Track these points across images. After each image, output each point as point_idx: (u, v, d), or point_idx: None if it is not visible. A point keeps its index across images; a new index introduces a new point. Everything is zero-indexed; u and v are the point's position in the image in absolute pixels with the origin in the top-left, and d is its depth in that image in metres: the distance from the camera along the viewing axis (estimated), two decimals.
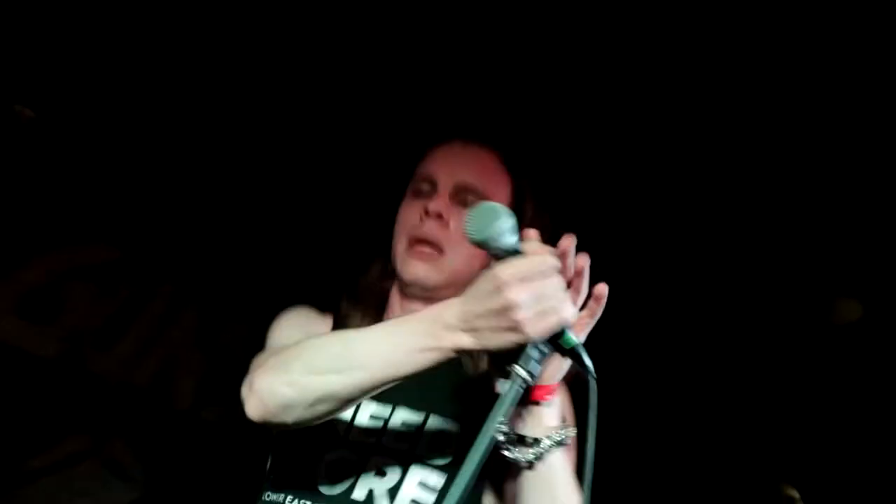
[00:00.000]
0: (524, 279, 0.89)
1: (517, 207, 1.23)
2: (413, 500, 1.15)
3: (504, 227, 0.92)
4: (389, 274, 1.38)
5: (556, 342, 0.93)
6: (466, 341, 0.94)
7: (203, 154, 3.10)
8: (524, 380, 0.89)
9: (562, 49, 2.62)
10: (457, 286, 1.19)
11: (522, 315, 0.88)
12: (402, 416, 1.22)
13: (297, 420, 1.05)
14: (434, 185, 1.35)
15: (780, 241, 3.63)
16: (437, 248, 1.30)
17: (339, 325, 1.35)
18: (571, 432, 1.04)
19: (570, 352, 0.95)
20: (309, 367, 1.05)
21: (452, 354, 0.97)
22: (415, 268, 1.30)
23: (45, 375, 2.76)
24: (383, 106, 2.74)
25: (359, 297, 1.39)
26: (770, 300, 4.17)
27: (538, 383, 0.99)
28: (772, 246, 3.67)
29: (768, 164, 3.16)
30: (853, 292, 4.02)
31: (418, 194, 1.37)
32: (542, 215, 1.36)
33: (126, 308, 3.02)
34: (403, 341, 1.00)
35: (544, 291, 0.90)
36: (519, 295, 0.88)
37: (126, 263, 3.03)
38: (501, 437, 0.94)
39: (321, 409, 1.04)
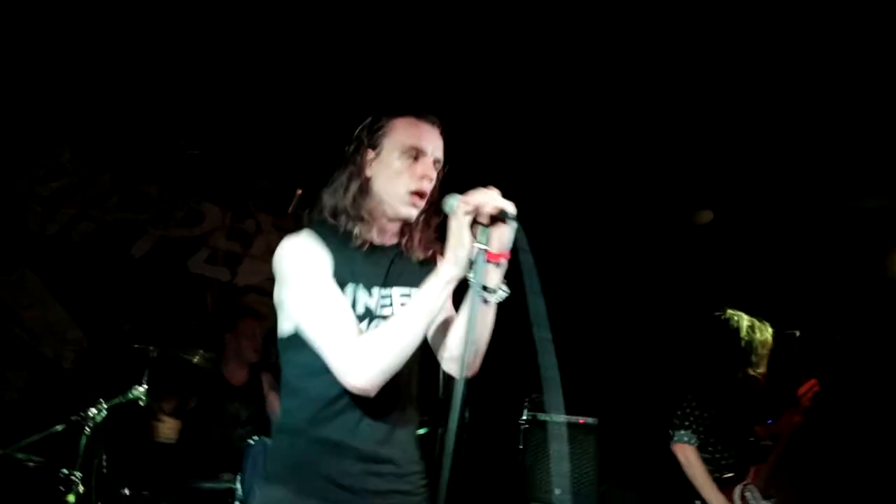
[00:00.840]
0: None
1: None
2: None
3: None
4: (364, 199, 1.95)
5: (497, 220, 1.71)
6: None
7: None
8: (483, 249, 1.72)
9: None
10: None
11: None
12: (399, 291, 1.97)
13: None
14: (422, 154, 1.95)
15: (653, 163, 4.82)
16: (423, 199, 1.95)
17: (336, 239, 1.93)
18: (506, 290, 1.84)
19: (504, 220, 1.70)
20: (399, 353, 1.76)
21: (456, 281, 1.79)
22: (412, 211, 1.95)
23: None
24: None
25: (351, 217, 1.95)
26: (644, 207, 4.97)
27: (491, 251, 1.73)
28: (646, 166, 4.85)
29: (640, 104, 4.25)
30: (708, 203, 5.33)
31: (411, 158, 1.95)
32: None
33: None
34: (435, 295, 1.77)
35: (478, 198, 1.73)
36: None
37: None
38: (480, 287, 1.72)
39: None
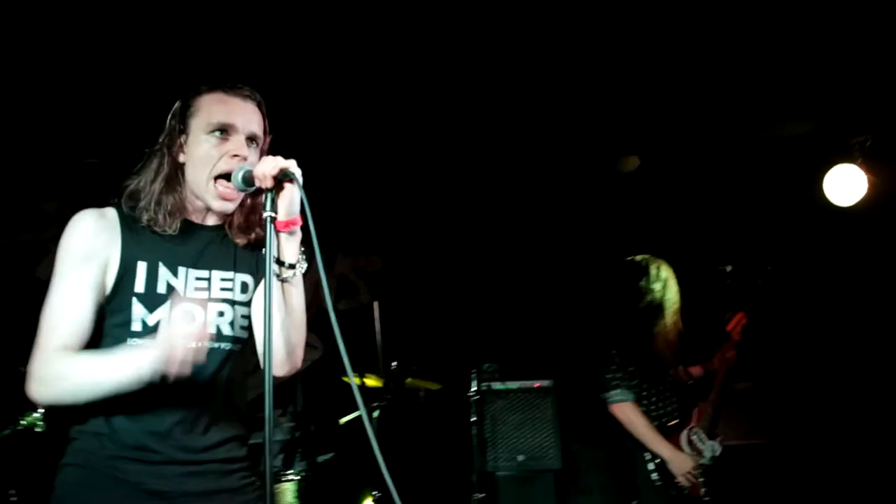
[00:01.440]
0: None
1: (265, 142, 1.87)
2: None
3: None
4: (175, 189, 1.79)
5: (280, 181, 1.60)
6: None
7: None
8: (271, 217, 1.57)
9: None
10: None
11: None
12: (219, 275, 1.82)
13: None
14: (232, 130, 1.77)
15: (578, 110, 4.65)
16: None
17: (139, 223, 1.77)
18: (305, 263, 1.71)
19: (289, 181, 1.60)
20: (83, 393, 1.66)
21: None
22: (222, 204, 1.79)
23: None
24: None
25: (152, 207, 1.75)
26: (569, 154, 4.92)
27: (278, 219, 1.60)
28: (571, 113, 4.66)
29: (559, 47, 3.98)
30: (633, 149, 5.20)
31: (218, 137, 1.77)
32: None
33: None
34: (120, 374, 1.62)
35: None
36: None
37: None
38: (274, 262, 1.56)
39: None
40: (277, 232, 1.60)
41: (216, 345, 1.76)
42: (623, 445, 3.53)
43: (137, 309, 1.69)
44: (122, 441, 1.65)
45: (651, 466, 3.38)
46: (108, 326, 1.72)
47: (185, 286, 1.75)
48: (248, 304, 1.84)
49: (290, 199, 1.62)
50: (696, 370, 3.71)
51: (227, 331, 1.78)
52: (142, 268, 1.71)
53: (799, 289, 4.84)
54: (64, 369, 1.62)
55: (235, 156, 1.74)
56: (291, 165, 1.59)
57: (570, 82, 4.45)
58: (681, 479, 3.30)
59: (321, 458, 4.50)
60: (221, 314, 1.78)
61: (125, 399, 1.63)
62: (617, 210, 5.66)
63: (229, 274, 1.82)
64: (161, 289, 1.72)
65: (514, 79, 4.37)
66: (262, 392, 1.40)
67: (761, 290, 3.81)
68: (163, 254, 1.74)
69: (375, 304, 4.89)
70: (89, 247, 1.70)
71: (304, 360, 5.35)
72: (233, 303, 1.80)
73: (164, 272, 1.74)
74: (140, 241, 1.73)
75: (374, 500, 4.08)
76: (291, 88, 4.18)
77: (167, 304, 1.71)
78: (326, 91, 4.36)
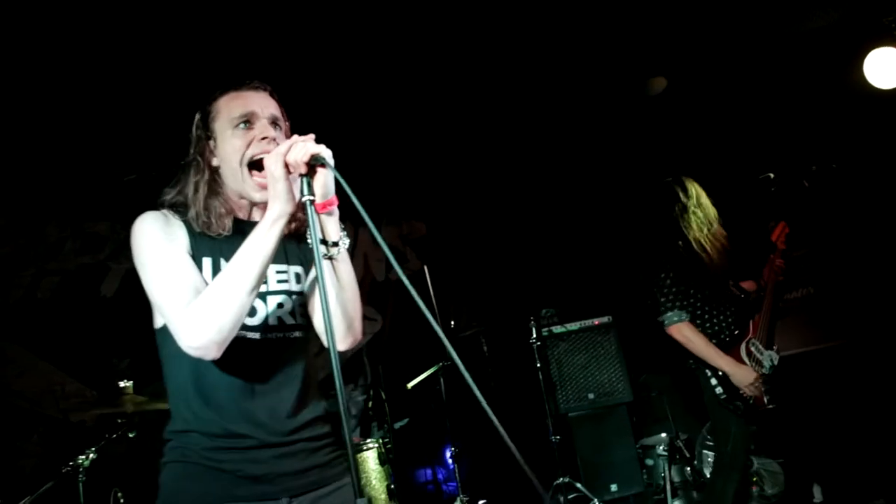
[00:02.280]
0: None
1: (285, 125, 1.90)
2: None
3: None
4: (216, 193, 1.84)
5: (312, 166, 1.60)
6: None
7: None
8: (310, 200, 1.57)
9: None
10: None
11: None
12: (274, 268, 1.84)
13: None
14: (254, 117, 1.82)
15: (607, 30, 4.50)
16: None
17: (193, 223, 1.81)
18: (348, 239, 1.71)
19: (321, 165, 1.60)
20: (235, 304, 1.62)
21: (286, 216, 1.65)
22: (259, 194, 1.79)
23: None
24: None
25: (199, 213, 1.81)
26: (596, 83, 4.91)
27: (317, 202, 1.60)
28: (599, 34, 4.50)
29: None
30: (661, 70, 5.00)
31: (244, 127, 1.82)
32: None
33: None
34: (263, 236, 1.64)
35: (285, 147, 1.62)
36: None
37: None
38: (319, 243, 1.54)
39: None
40: (318, 214, 1.63)
41: (282, 334, 1.82)
42: (687, 367, 3.54)
43: None
44: (212, 432, 1.70)
45: (714, 382, 3.37)
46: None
47: None
48: (303, 293, 1.89)
49: (325, 182, 1.64)
50: (748, 285, 3.66)
51: (289, 320, 1.84)
52: (207, 263, 1.78)
53: (849, 185, 4.69)
54: (208, 300, 1.64)
55: (264, 138, 1.80)
56: (322, 150, 1.61)
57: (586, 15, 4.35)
58: (745, 391, 3.30)
59: (398, 425, 4.65)
60: (281, 305, 1.84)
61: (209, 393, 1.72)
62: (652, 133, 5.55)
63: (283, 266, 1.87)
64: None
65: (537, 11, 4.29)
66: (331, 371, 1.43)
67: (809, 191, 3.72)
68: (223, 251, 1.79)
69: (426, 268, 4.96)
70: (168, 231, 1.77)
71: (365, 332, 5.48)
72: (290, 293, 1.86)
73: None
74: (199, 240, 1.80)
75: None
76: (327, 62, 4.22)
77: None
78: (353, 61, 4.37)
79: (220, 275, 1.67)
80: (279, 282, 1.85)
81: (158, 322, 1.79)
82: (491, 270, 5.88)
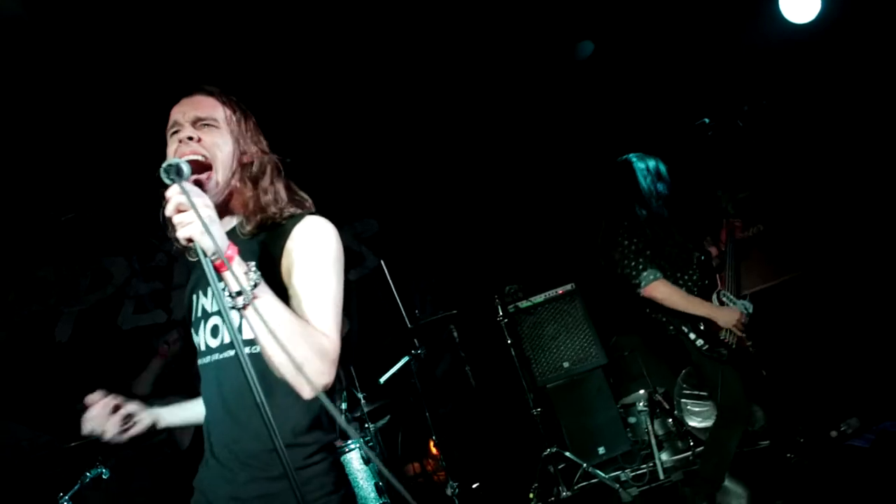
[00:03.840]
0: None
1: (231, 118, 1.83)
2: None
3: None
4: None
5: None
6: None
7: None
8: (209, 261, 1.46)
9: None
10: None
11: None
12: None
13: None
14: (176, 124, 1.77)
15: None
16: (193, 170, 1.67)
17: None
18: (255, 274, 1.53)
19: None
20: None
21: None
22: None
23: None
24: None
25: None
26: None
27: (214, 261, 1.48)
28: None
29: None
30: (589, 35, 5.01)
31: (171, 134, 1.78)
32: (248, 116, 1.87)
33: None
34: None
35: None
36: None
37: None
38: (229, 300, 1.48)
39: None
40: (218, 273, 1.50)
41: (231, 353, 1.73)
42: (658, 323, 3.56)
43: None
44: (208, 450, 1.78)
45: (693, 336, 3.40)
46: None
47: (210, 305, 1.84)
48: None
49: (211, 247, 1.48)
50: (712, 250, 3.70)
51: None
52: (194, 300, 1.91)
53: (781, 119, 4.78)
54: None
55: (180, 141, 1.73)
56: (189, 231, 1.46)
57: None
58: (733, 329, 3.33)
59: (379, 423, 4.62)
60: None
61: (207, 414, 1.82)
62: (586, 96, 5.58)
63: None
64: (198, 313, 1.86)
65: None
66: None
67: (744, 130, 3.78)
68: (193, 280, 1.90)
69: (383, 264, 4.93)
70: None
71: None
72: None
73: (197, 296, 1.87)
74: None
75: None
76: (268, 61, 4.16)
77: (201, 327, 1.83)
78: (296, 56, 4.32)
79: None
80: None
81: None
82: (448, 256, 5.87)
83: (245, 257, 1.57)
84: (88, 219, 4.93)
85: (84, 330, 4.90)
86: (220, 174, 1.75)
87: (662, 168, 3.62)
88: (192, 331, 1.83)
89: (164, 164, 1.48)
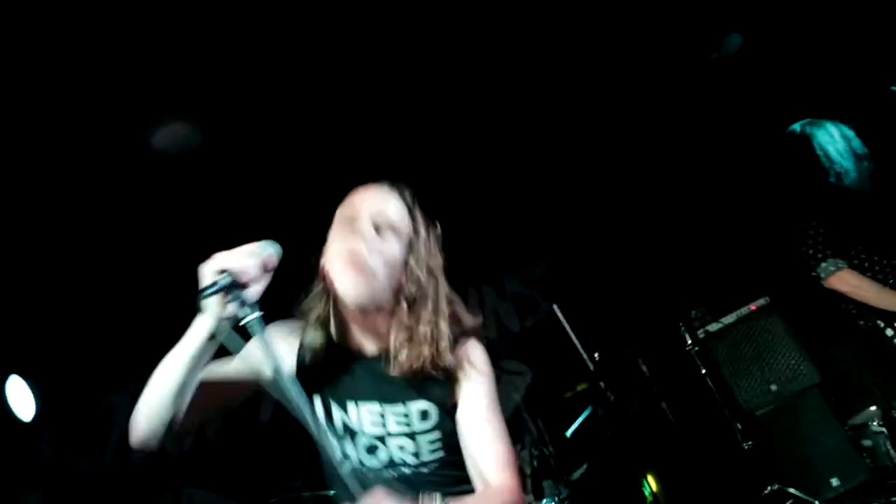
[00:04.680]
0: None
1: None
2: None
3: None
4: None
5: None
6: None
7: None
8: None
9: None
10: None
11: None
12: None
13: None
14: (355, 219, 1.70)
15: None
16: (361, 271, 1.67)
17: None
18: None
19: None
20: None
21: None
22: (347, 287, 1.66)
23: None
24: None
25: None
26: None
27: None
28: None
29: None
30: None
31: (346, 226, 1.71)
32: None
33: None
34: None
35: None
36: None
37: None
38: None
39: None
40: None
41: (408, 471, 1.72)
42: (849, 316, 3.09)
43: None
44: None
45: (890, 332, 2.92)
46: None
47: (358, 421, 1.77)
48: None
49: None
50: None
51: (411, 460, 1.72)
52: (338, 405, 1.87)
53: None
54: None
55: (359, 240, 1.69)
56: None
57: None
58: None
59: (576, 475, 4.40)
60: (402, 448, 1.72)
61: None
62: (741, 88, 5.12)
63: (400, 407, 1.76)
64: (338, 426, 1.80)
65: None
66: None
67: None
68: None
69: (555, 307, 4.77)
70: None
71: (519, 387, 5.26)
72: (413, 434, 1.73)
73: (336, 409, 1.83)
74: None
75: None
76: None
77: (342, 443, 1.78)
78: None
79: None
80: (398, 424, 1.71)
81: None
82: (619, 289, 5.58)
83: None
84: None
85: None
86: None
87: (848, 131, 3.17)
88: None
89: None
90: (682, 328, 4.54)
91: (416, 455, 1.69)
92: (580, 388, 4.26)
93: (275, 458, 5.09)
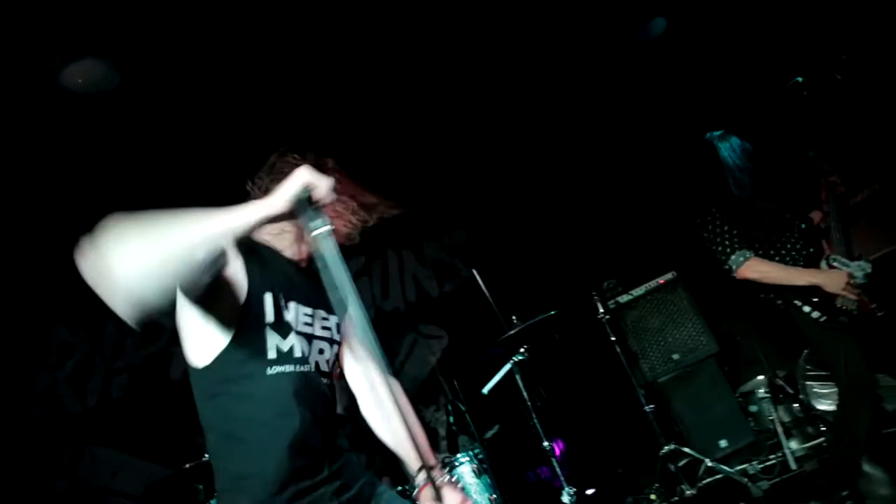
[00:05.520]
0: None
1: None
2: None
3: None
4: None
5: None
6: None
7: None
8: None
9: None
10: None
11: None
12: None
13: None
14: None
15: None
16: None
17: None
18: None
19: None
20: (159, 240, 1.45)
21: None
22: None
23: None
24: None
25: None
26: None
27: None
28: None
29: None
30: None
31: None
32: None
33: None
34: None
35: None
36: None
37: None
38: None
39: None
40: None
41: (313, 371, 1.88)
42: (768, 301, 3.34)
43: None
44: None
45: (807, 309, 3.16)
46: None
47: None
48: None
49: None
50: (815, 216, 3.44)
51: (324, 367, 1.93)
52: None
53: (884, 64, 4.39)
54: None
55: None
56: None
57: None
58: (844, 294, 3.07)
59: (488, 434, 4.55)
60: (322, 352, 1.92)
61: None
62: (662, 72, 5.34)
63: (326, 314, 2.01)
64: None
65: None
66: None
67: (843, 83, 3.49)
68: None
69: (475, 272, 4.87)
70: None
71: (435, 351, 5.33)
72: (332, 342, 1.98)
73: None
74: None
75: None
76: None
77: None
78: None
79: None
80: (323, 329, 1.91)
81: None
82: (539, 258, 5.75)
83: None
84: None
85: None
86: None
87: (746, 144, 3.43)
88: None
89: None
90: (595, 297, 4.73)
91: (328, 362, 1.90)
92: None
93: (183, 415, 4.99)
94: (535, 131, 5.63)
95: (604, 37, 4.95)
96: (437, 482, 1.68)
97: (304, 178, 1.58)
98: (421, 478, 1.61)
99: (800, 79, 3.50)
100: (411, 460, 1.80)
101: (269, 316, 1.74)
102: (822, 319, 3.15)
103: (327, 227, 1.55)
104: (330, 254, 1.53)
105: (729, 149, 3.40)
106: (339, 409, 1.90)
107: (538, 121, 5.55)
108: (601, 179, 5.81)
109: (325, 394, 1.84)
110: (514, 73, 4.99)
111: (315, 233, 1.55)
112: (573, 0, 4.50)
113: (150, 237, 1.43)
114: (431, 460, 1.80)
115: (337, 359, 1.96)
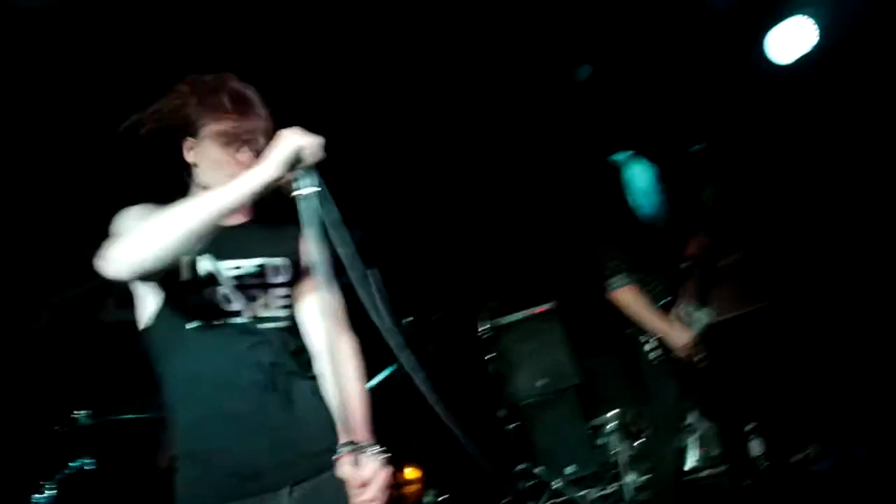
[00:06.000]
0: None
1: None
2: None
3: None
4: None
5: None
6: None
7: None
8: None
9: None
10: None
11: None
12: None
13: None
14: None
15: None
16: None
17: None
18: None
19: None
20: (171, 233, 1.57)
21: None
22: None
23: None
24: None
25: None
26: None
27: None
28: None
29: None
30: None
31: None
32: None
33: None
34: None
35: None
36: None
37: None
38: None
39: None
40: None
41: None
42: (623, 321, 3.62)
43: None
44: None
45: (648, 346, 3.49)
46: None
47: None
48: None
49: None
50: (691, 246, 3.74)
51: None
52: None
53: (767, 153, 4.86)
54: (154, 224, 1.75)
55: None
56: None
57: None
58: (678, 353, 3.42)
59: None
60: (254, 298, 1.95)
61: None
62: (573, 116, 5.59)
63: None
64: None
65: None
66: None
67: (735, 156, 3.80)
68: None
69: (369, 273, 4.93)
70: None
71: None
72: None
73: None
74: None
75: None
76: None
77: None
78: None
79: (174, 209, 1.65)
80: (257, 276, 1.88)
81: None
82: (432, 268, 5.89)
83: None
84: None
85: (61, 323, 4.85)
86: None
87: (656, 170, 3.68)
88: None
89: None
90: (484, 313, 4.95)
91: (266, 306, 1.86)
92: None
93: (57, 384, 4.75)
94: (448, 142, 5.69)
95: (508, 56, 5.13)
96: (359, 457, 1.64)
97: (295, 142, 1.60)
98: (345, 449, 1.62)
99: (700, 146, 3.75)
100: (341, 430, 1.75)
101: (186, 273, 1.77)
102: (656, 360, 3.49)
103: (316, 188, 1.60)
104: (314, 213, 1.58)
105: (636, 171, 3.65)
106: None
107: (450, 132, 5.61)
108: (500, 203, 6.00)
109: (267, 341, 1.82)
110: (425, 84, 5.06)
111: (304, 193, 1.58)
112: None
113: (162, 239, 1.57)
114: (359, 437, 1.73)
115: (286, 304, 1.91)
